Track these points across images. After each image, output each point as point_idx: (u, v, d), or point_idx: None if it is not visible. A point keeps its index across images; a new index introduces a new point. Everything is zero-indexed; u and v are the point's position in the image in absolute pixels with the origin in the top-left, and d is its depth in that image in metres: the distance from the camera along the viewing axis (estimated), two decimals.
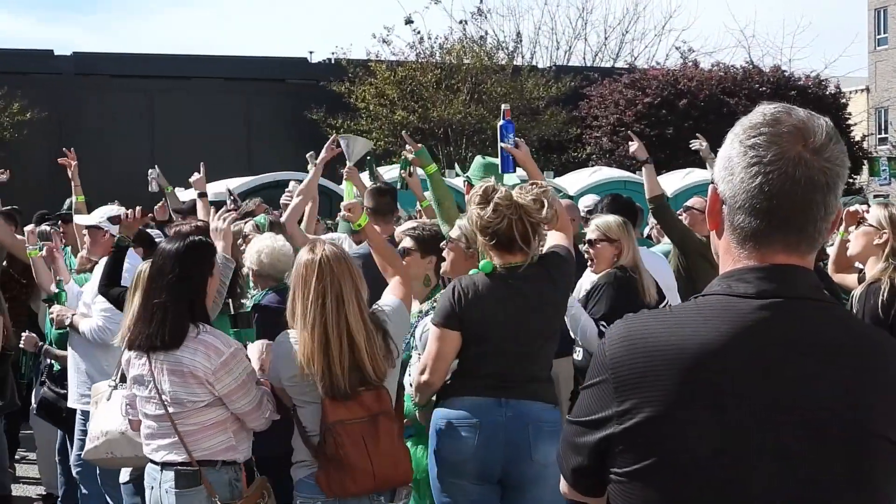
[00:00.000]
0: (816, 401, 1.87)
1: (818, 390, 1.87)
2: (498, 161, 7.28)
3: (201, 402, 4.51)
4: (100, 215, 6.94)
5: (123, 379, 4.93)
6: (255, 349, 4.97)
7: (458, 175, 7.02)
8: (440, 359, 4.79)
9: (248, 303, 6.43)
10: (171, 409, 4.52)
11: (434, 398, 4.92)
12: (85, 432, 6.72)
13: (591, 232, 6.22)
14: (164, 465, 4.58)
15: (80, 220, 7.43)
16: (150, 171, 10.39)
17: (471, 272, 4.97)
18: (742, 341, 1.88)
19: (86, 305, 6.74)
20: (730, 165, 1.96)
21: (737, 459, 1.85)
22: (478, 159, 7.25)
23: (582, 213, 10.36)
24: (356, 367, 4.37)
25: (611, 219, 6.24)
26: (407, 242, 5.64)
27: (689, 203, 8.80)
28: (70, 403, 6.90)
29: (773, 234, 1.93)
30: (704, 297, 1.97)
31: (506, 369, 4.77)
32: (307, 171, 8.15)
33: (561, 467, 2.11)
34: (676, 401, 1.87)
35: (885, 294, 5.12)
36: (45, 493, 8.37)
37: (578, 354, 6.30)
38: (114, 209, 7.08)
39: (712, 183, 2.02)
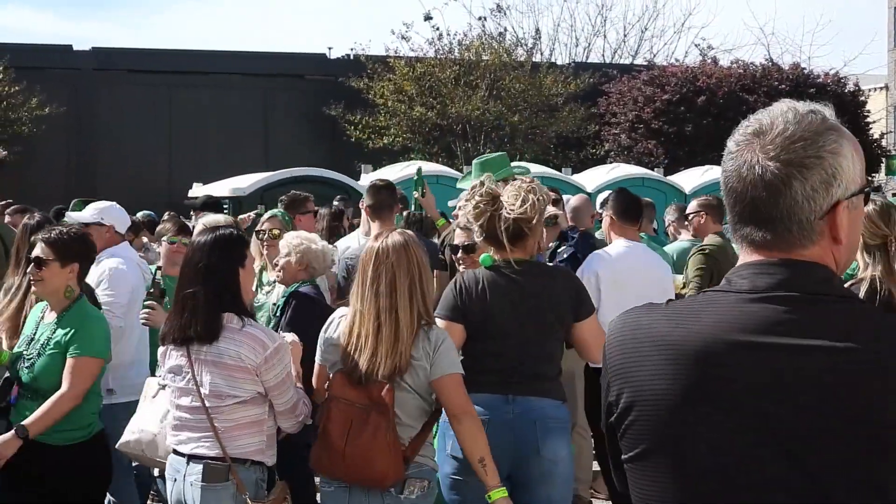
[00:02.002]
0: (818, 398, 1.78)
1: (819, 386, 1.79)
2: (492, 157, 7.25)
3: (242, 397, 4.42)
4: (93, 210, 6.84)
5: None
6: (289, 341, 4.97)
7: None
8: None
9: (264, 297, 6.39)
10: (208, 403, 4.43)
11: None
12: None
13: None
14: (192, 458, 4.46)
15: (74, 216, 7.32)
16: None
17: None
18: (727, 334, 1.85)
19: None
20: None
21: (717, 447, 1.82)
22: (474, 163, 7.16)
23: (599, 210, 10.36)
24: (384, 356, 4.29)
25: None
26: (40, 250, 4.95)
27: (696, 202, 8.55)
28: None
29: (741, 230, 1.95)
30: (705, 293, 1.97)
31: (511, 365, 4.78)
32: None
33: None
34: (659, 389, 1.87)
35: (865, 293, 5.03)
36: None
37: None
38: (105, 204, 6.98)
39: None
